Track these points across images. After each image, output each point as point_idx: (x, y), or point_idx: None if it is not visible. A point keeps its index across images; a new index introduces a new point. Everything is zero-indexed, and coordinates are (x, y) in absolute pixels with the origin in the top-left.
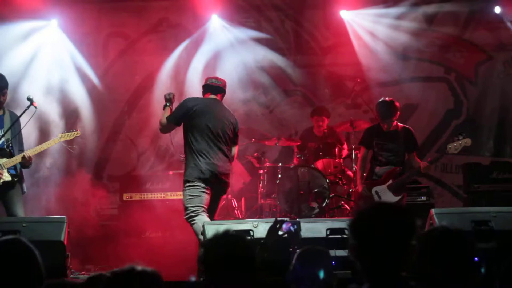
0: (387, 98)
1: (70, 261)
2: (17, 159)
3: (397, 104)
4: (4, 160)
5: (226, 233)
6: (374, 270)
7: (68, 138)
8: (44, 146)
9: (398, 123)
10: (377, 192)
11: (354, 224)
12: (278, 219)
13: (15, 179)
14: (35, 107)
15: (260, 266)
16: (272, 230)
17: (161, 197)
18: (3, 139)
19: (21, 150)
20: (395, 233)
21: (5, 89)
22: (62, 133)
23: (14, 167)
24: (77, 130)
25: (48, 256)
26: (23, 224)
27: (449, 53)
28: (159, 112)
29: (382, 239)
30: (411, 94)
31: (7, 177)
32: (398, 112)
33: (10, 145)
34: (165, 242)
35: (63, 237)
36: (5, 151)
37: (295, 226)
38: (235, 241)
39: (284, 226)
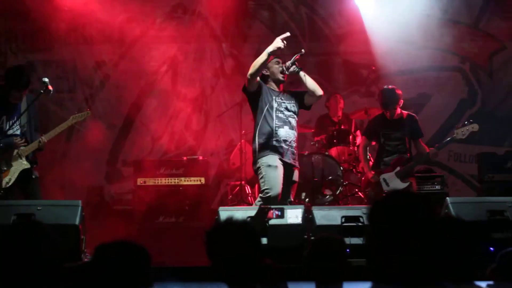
0: (389, 86)
1: (84, 245)
2: (34, 145)
3: (400, 92)
4: (22, 148)
5: (229, 220)
6: (392, 258)
7: (79, 119)
8: (58, 129)
9: (402, 111)
10: (384, 180)
11: (372, 213)
12: (262, 206)
13: (33, 166)
14: (50, 90)
15: (269, 252)
16: (258, 218)
17: (175, 182)
18: (20, 128)
19: (37, 132)
20: (413, 220)
21: (27, 85)
22: (73, 115)
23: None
24: (87, 110)
25: (63, 239)
26: (38, 208)
27: (464, 42)
28: (174, 98)
29: (401, 226)
30: (425, 83)
31: (26, 164)
32: (401, 100)
33: (26, 132)
34: (178, 228)
35: (78, 221)
36: (22, 140)
37: (279, 213)
38: (238, 228)
39: (269, 213)
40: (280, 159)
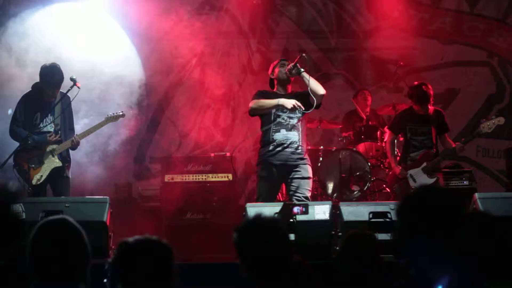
0: (425, 82)
1: (112, 242)
2: (67, 144)
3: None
4: (55, 146)
5: (258, 217)
6: (422, 254)
7: (114, 121)
8: (92, 129)
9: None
10: (411, 175)
11: (401, 208)
12: (287, 202)
13: (65, 164)
14: (78, 87)
15: (297, 249)
16: (283, 214)
17: (202, 179)
18: (54, 126)
19: (71, 131)
20: (442, 216)
21: (61, 83)
22: (107, 115)
23: (62, 152)
24: (122, 112)
25: (91, 236)
26: (66, 205)
27: (492, 37)
28: (201, 94)
29: (430, 222)
30: (453, 78)
31: (57, 163)
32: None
33: (59, 131)
34: (206, 224)
35: (106, 217)
36: (56, 135)
37: (304, 209)
38: (267, 224)
39: (294, 209)
40: (275, 167)
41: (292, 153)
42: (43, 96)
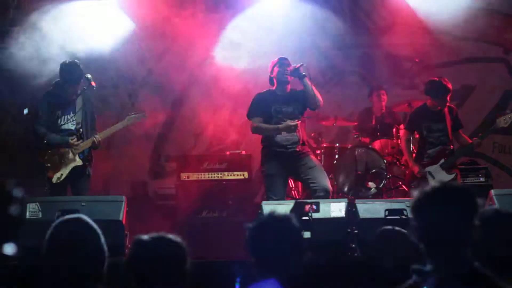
0: (443, 78)
1: (128, 240)
2: (88, 143)
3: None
4: (77, 145)
5: (271, 216)
6: (437, 251)
7: (135, 121)
8: (113, 128)
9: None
10: (430, 172)
11: (417, 205)
12: (298, 200)
13: (86, 163)
14: (94, 86)
15: (313, 246)
16: (295, 212)
17: (218, 177)
18: (75, 124)
19: (93, 130)
20: (458, 213)
21: (81, 79)
22: (129, 115)
23: (83, 150)
24: (144, 112)
25: (107, 235)
26: (82, 204)
27: (508, 33)
28: (216, 92)
29: (446, 219)
30: (468, 75)
31: (78, 162)
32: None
33: (81, 129)
34: (222, 223)
35: (122, 216)
36: (77, 135)
37: (315, 207)
38: (279, 222)
39: (306, 207)
40: (278, 164)
41: (294, 151)
42: (63, 93)
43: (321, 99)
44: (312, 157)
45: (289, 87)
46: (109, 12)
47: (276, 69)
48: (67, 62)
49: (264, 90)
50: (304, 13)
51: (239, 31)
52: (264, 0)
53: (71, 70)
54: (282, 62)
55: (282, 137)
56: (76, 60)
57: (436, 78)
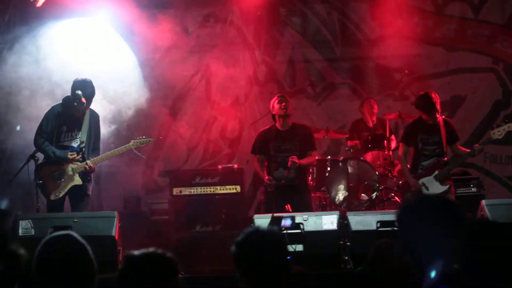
0: (431, 91)
1: (121, 256)
2: (80, 167)
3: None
4: (76, 164)
5: (256, 230)
6: (422, 261)
7: (140, 145)
8: (116, 152)
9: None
10: (424, 184)
11: (400, 216)
12: (275, 215)
13: (86, 183)
14: (84, 102)
15: (305, 259)
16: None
17: (211, 191)
18: (79, 142)
19: (95, 150)
20: (440, 224)
21: (92, 97)
22: (134, 139)
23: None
24: (149, 137)
25: (99, 251)
26: (75, 220)
27: (497, 43)
28: (208, 107)
29: (429, 230)
30: (458, 85)
31: (78, 181)
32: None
33: (84, 147)
34: (215, 237)
35: (114, 232)
36: (77, 154)
37: (291, 221)
38: (266, 238)
39: (282, 222)
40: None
41: (291, 186)
42: (72, 111)
43: (314, 160)
44: (307, 196)
45: (289, 120)
46: (99, 30)
47: (276, 105)
48: (79, 79)
49: (267, 127)
50: (294, 26)
51: (227, 45)
52: (250, 15)
53: (82, 88)
54: (281, 99)
55: (277, 172)
56: (88, 78)
57: (423, 92)
